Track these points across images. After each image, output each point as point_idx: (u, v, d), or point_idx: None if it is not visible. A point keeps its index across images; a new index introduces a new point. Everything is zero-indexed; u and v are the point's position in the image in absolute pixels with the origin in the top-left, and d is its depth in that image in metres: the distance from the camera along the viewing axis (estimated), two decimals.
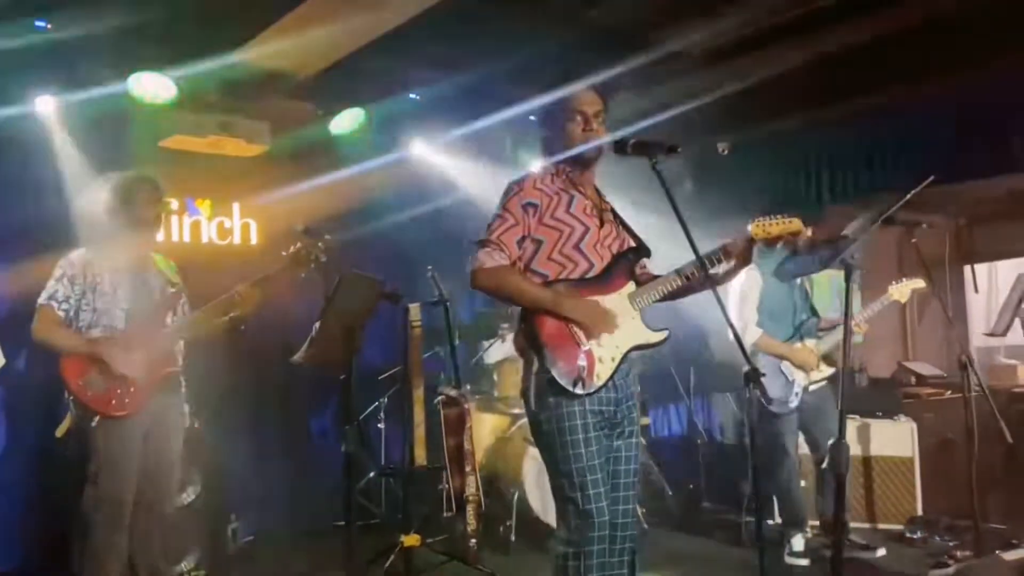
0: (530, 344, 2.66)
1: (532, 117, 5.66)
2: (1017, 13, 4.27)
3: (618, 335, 2.68)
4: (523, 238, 2.69)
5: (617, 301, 2.71)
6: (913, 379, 6.91)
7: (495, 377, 5.47)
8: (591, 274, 2.71)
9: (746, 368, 2.68)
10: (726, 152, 6.02)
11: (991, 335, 4.34)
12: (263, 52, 4.50)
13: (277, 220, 5.12)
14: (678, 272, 2.72)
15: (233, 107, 4.88)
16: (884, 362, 7.00)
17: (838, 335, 4.40)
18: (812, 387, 4.35)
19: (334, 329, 3.37)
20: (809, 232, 3.58)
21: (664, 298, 2.75)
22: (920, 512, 5.07)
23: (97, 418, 3.34)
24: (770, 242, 2.72)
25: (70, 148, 4.46)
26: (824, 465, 4.34)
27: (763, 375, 2.55)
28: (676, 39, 4.72)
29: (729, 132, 5.90)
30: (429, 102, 5.28)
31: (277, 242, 5.10)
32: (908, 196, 2.37)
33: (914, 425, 5.18)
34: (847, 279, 2.50)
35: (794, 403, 4.32)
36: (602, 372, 2.64)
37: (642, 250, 2.83)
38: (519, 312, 2.73)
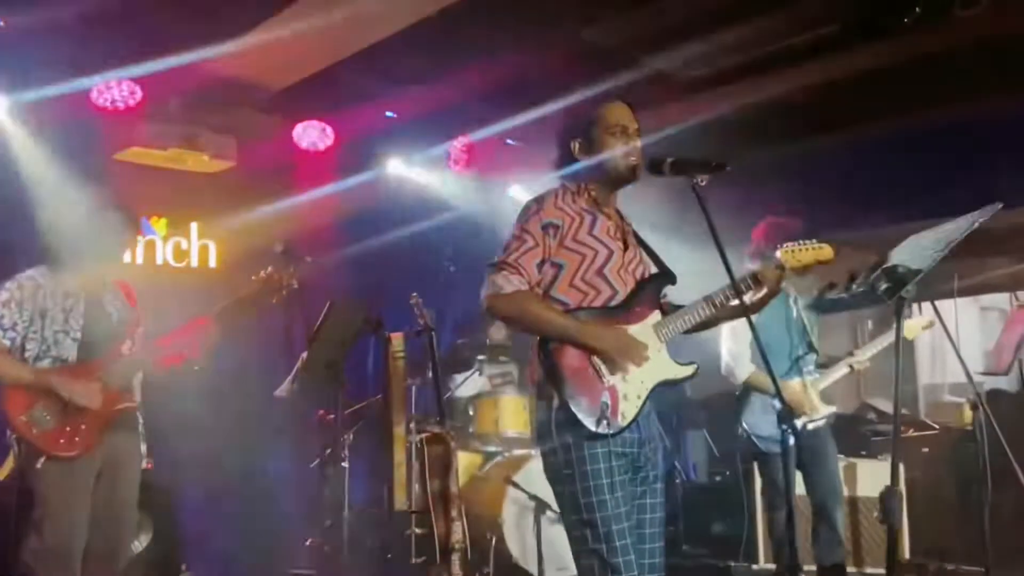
0: (548, 378, 2.41)
1: (509, 141, 5.56)
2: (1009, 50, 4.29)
3: (644, 369, 2.44)
4: (543, 261, 2.44)
5: (642, 332, 2.48)
6: (875, 416, 6.90)
7: (470, 412, 5.18)
8: (615, 302, 2.47)
9: (778, 407, 2.49)
10: (703, 183, 5.92)
11: (993, 374, 4.24)
12: (233, 60, 4.20)
13: (238, 242, 4.80)
14: (707, 300, 2.51)
15: (198, 119, 4.54)
16: (842, 397, 6.97)
17: (837, 372, 4.24)
18: (811, 426, 4.16)
19: (321, 360, 3.06)
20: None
21: (692, 328, 2.53)
22: (907, 555, 4.93)
23: (43, 459, 2.96)
24: (800, 270, 2.54)
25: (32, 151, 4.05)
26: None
27: (791, 414, 2.35)
28: (669, 62, 4.59)
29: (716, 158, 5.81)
30: (407, 119, 5.04)
31: (239, 266, 4.79)
32: (975, 224, 2.21)
33: (902, 465, 5.04)
34: (898, 314, 2.31)
35: (789, 442, 4.11)
36: (627, 410, 2.39)
37: (668, 276, 2.61)
38: (536, 342, 2.47)
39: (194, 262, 5.07)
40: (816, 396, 4.20)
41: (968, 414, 7.79)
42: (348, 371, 5.19)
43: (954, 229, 2.23)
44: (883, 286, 2.23)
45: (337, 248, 5.00)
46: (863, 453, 5.19)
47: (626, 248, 2.53)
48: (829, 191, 5.79)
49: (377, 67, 4.51)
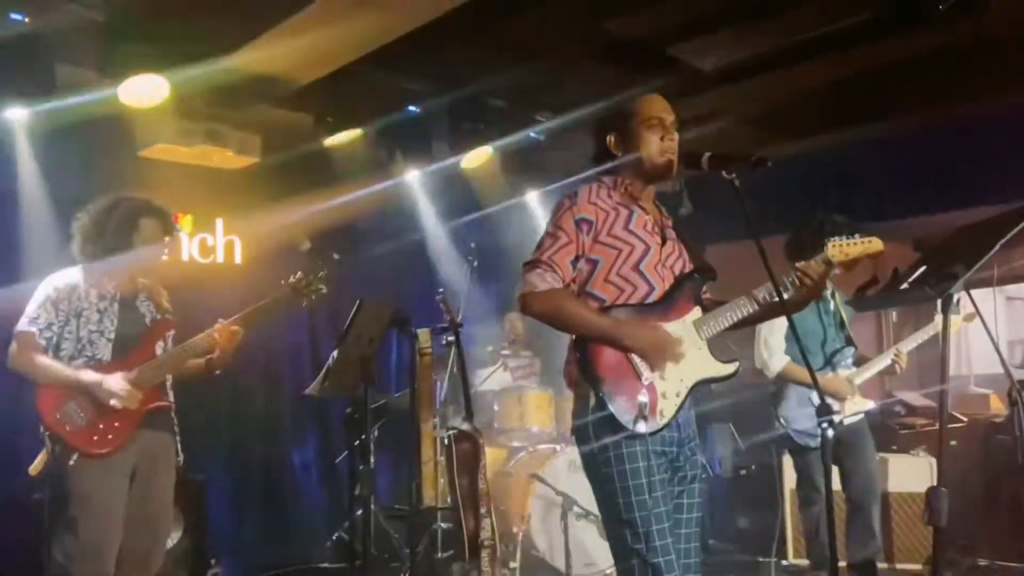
0: (586, 376, 2.38)
1: (532, 134, 5.50)
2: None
3: (683, 367, 2.41)
4: (577, 258, 2.41)
5: (681, 329, 2.44)
6: (903, 409, 6.81)
7: (495, 407, 5.15)
8: (652, 298, 2.44)
9: (818, 402, 2.45)
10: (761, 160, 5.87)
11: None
12: (258, 57, 4.17)
13: (264, 238, 4.79)
14: (751, 297, 2.46)
15: (222, 116, 4.52)
16: (869, 389, 6.90)
17: (877, 366, 4.18)
18: (848, 420, 4.10)
19: (351, 358, 3.04)
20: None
21: (733, 326, 2.49)
22: None
23: (76, 456, 2.96)
24: (849, 265, 2.49)
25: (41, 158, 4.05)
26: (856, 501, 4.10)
27: (834, 409, 2.31)
28: (694, 55, 4.52)
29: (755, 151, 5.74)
30: (429, 117, 4.99)
31: (264, 262, 4.79)
32: None
33: (932, 460, 4.99)
34: (945, 312, 2.26)
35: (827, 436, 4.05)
36: (666, 409, 2.36)
37: (708, 272, 2.56)
38: (571, 340, 2.44)
39: (220, 258, 5.07)
40: (855, 390, 4.15)
41: (995, 405, 7.70)
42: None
43: (1004, 227, 2.17)
44: (932, 283, 2.16)
45: (363, 244, 4.98)
46: (894, 448, 5.13)
47: (663, 243, 2.50)
48: (862, 182, 5.72)
49: (401, 62, 4.47)
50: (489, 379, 5.38)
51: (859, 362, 4.27)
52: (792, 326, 2.42)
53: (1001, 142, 5.04)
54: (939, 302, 2.21)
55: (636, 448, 2.32)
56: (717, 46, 4.47)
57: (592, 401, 2.36)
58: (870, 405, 4.16)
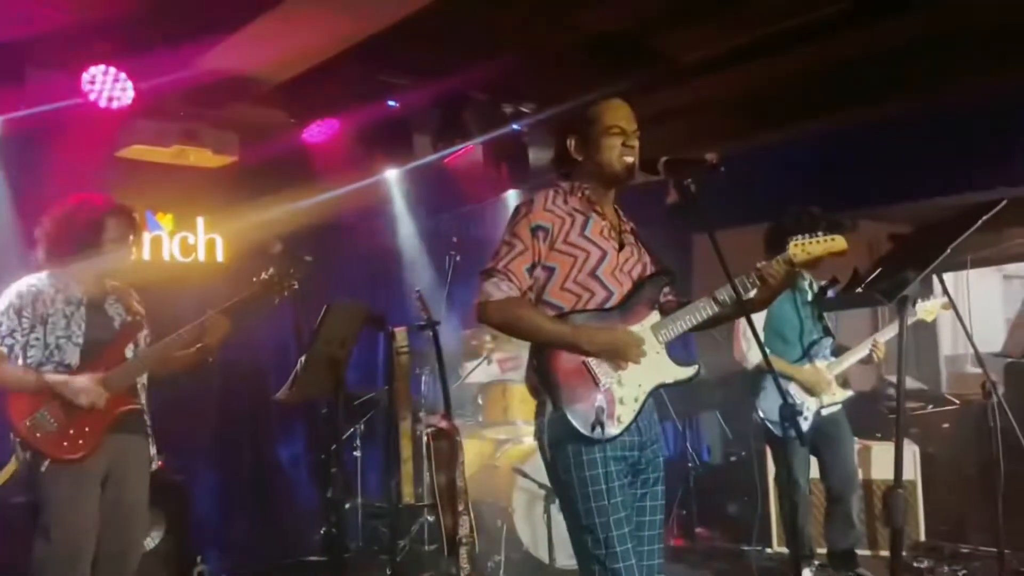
0: (543, 384, 2.39)
1: (516, 126, 5.47)
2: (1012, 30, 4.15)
3: (641, 372, 2.41)
4: (533, 265, 2.41)
5: (639, 333, 2.44)
6: (893, 392, 6.80)
7: (480, 400, 5.18)
8: (610, 303, 2.44)
9: (780, 403, 2.44)
10: (715, 162, 5.83)
11: (1008, 356, 4.15)
12: (233, 54, 4.15)
13: (245, 236, 4.78)
14: (711, 298, 2.45)
15: (198, 114, 4.50)
16: (861, 374, 6.89)
17: (854, 356, 4.18)
18: (825, 411, 4.11)
19: (321, 361, 3.05)
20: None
21: (694, 328, 2.48)
22: (923, 537, 4.88)
23: (47, 462, 2.97)
24: (811, 264, 2.48)
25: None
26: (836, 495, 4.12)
27: (797, 408, 2.31)
28: (670, 46, 4.48)
29: (717, 142, 5.70)
30: (411, 114, 4.96)
31: (245, 259, 4.79)
32: (979, 222, 2.14)
33: (916, 448, 4.99)
34: (901, 312, 2.25)
35: (803, 427, 4.07)
36: (623, 415, 2.37)
37: (667, 275, 2.56)
38: (530, 348, 2.45)
39: (201, 256, 5.07)
40: (833, 380, 4.15)
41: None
42: (359, 363, 5.25)
43: (957, 230, 2.15)
44: (882, 287, 2.16)
45: (340, 241, 4.97)
46: (878, 436, 5.12)
47: (621, 248, 2.49)
48: (850, 168, 5.68)
49: (378, 59, 4.44)
50: (476, 372, 5.39)
51: (838, 352, 4.27)
52: (753, 330, 2.42)
53: (986, 128, 4.99)
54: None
55: (595, 454, 2.33)
56: (695, 36, 4.42)
57: (550, 408, 2.37)
58: (848, 395, 4.17)
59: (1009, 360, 4.95)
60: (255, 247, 3.37)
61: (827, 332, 4.20)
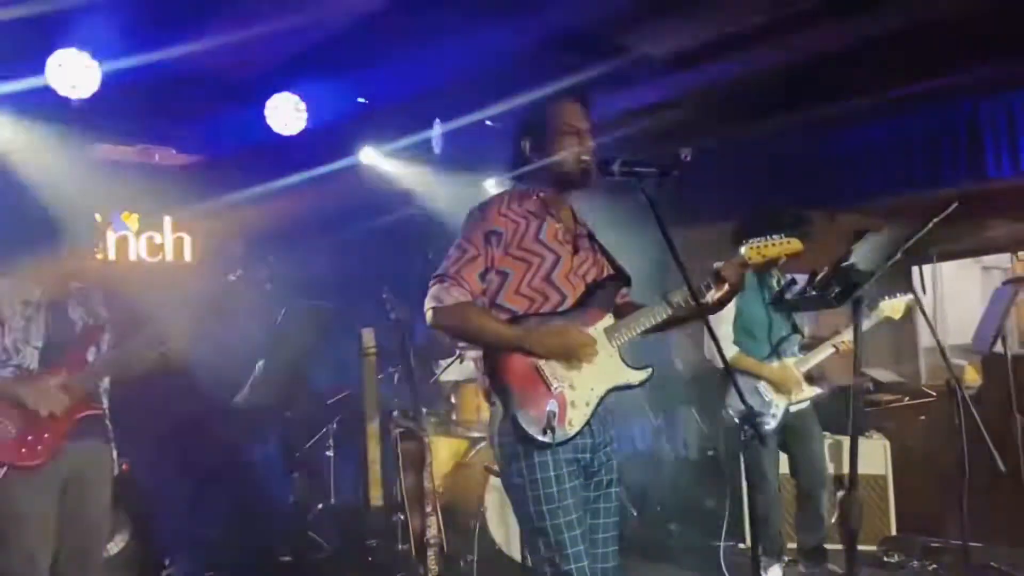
0: (494, 388, 2.38)
1: (488, 122, 5.44)
2: (982, 24, 4.16)
3: (594, 375, 2.40)
4: (486, 271, 2.39)
5: (593, 336, 2.42)
6: (872, 386, 6.82)
7: (453, 399, 5.15)
8: (563, 307, 2.42)
9: (741, 408, 2.43)
10: (687, 158, 5.81)
11: (975, 351, 4.16)
12: (199, 49, 4.10)
13: (214, 234, 4.74)
14: (665, 302, 2.44)
15: (161, 111, 4.45)
16: (840, 367, 6.90)
17: (822, 353, 4.18)
18: (794, 408, 4.12)
19: (280, 366, 3.02)
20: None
21: (649, 331, 2.47)
22: (894, 531, 4.91)
23: (4, 469, 2.94)
24: (765, 266, 2.47)
25: None
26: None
27: (760, 415, 2.31)
28: (643, 41, 4.46)
29: (693, 138, 5.69)
30: (379, 106, 4.93)
31: (214, 258, 4.75)
32: (930, 225, 2.13)
33: (887, 442, 5.01)
34: (856, 314, 2.24)
35: (771, 425, 4.07)
36: (575, 418, 2.36)
37: (621, 278, 2.55)
38: (482, 352, 2.43)
39: (169, 256, 5.01)
40: (802, 377, 4.15)
41: (971, 377, 7.72)
42: (334, 362, 5.21)
43: (908, 232, 2.15)
44: (834, 290, 2.15)
45: (311, 240, 4.93)
46: None
47: (576, 251, 2.48)
48: (818, 164, 5.69)
49: (345, 52, 4.41)
50: (450, 370, 5.36)
51: (809, 347, 4.28)
52: (711, 332, 2.41)
53: (957, 123, 5.01)
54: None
55: (547, 458, 2.33)
56: (664, 33, 4.40)
57: (501, 412, 2.37)
58: (817, 392, 4.18)
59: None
60: (231, 239, 3.31)
61: (795, 329, 4.20)
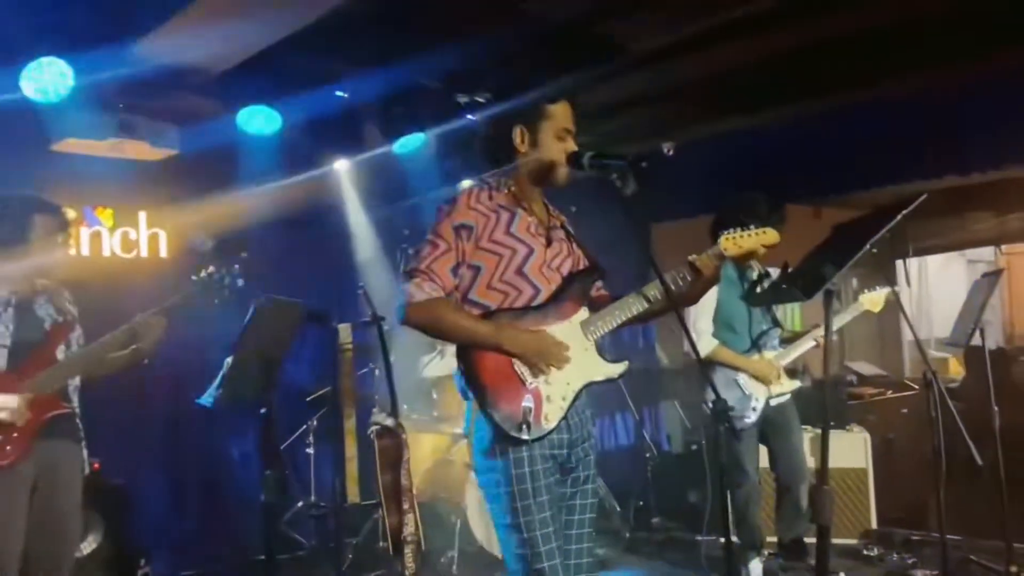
0: (469, 384, 2.34)
1: (471, 116, 5.38)
2: (965, 18, 4.16)
3: (569, 370, 2.37)
4: (458, 265, 2.35)
5: (568, 331, 2.40)
6: (854, 379, 6.84)
7: (434, 395, 5.12)
8: (538, 301, 2.39)
9: (713, 400, 2.41)
10: (670, 152, 5.79)
11: (953, 345, 4.16)
12: (169, 44, 4.03)
13: (190, 230, 4.67)
14: (641, 294, 2.41)
15: (135, 106, 4.38)
16: (821, 361, 6.90)
17: (802, 347, 4.17)
18: (774, 401, 4.11)
19: (250, 363, 2.97)
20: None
21: (625, 323, 2.45)
22: (874, 524, 4.92)
23: None
24: (744, 258, 2.45)
25: None
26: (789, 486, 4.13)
27: (732, 409, 2.30)
28: (619, 35, 4.42)
29: (674, 131, 5.67)
30: (355, 105, 4.86)
31: (190, 254, 4.68)
32: (898, 217, 2.12)
33: (867, 435, 5.02)
34: (827, 307, 2.22)
35: (751, 418, 4.06)
36: (551, 414, 2.33)
37: (597, 270, 2.52)
38: (456, 349, 2.40)
39: (144, 252, 4.94)
40: (782, 370, 4.14)
41: (954, 369, 7.74)
42: (314, 359, 5.16)
43: (876, 226, 2.13)
44: (800, 284, 2.14)
45: (287, 235, 4.88)
46: (832, 424, 5.12)
47: (549, 244, 2.45)
48: (799, 159, 5.68)
49: (320, 48, 4.35)
50: (431, 366, 5.33)
51: (789, 340, 4.27)
52: (684, 327, 2.39)
53: (955, 113, 5.01)
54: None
55: (522, 454, 2.30)
56: (640, 26, 4.37)
57: (476, 408, 2.33)
58: (796, 385, 4.17)
59: (970, 344, 5.00)
60: (183, 245, 3.26)
61: (775, 323, 4.19)
